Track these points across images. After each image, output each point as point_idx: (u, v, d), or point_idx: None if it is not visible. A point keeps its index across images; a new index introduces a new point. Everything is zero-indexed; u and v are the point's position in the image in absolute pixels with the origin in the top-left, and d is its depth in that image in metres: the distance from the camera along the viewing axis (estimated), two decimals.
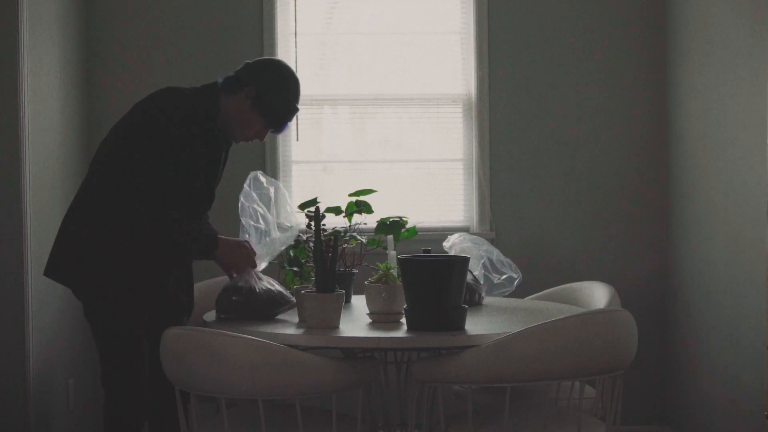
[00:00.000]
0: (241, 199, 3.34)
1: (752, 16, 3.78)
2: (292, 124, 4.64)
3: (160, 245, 3.11)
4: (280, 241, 3.32)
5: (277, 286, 3.27)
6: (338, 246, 3.09)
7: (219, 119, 3.22)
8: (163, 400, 3.17)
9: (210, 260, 3.23)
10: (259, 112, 3.22)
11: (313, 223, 3.19)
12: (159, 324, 3.00)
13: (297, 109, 3.30)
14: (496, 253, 3.88)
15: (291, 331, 2.98)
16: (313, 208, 3.27)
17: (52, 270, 3.19)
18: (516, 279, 3.85)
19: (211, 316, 3.32)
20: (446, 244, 3.94)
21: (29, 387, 3.73)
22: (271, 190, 3.39)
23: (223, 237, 3.24)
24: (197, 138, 3.13)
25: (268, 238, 3.31)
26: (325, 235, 3.21)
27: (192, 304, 3.32)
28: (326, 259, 2.98)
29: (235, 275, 3.26)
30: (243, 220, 3.34)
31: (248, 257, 3.25)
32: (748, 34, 3.82)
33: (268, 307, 3.22)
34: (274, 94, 3.23)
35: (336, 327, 2.98)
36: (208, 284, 3.63)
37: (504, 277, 3.84)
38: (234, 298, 3.20)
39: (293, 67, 4.60)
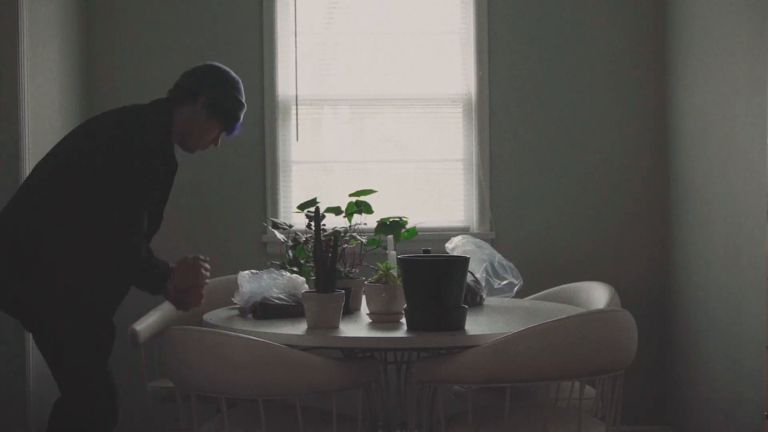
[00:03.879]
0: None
1: (752, 15, 3.78)
2: (291, 124, 4.68)
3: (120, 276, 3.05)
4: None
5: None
6: (338, 246, 3.09)
7: (174, 134, 3.20)
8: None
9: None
10: (216, 119, 3.23)
11: (313, 223, 3.19)
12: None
13: (245, 106, 3.31)
14: (498, 258, 3.88)
15: (291, 331, 2.98)
16: (313, 208, 3.27)
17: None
18: (516, 285, 3.85)
19: (210, 316, 3.32)
20: (449, 246, 3.95)
21: (29, 387, 3.73)
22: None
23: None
24: (160, 163, 3.07)
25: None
26: (325, 235, 3.21)
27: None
28: (326, 259, 2.99)
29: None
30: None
31: (200, 274, 3.12)
32: (748, 33, 3.82)
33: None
34: (226, 98, 3.24)
35: (336, 327, 2.98)
36: (211, 283, 3.62)
37: (504, 282, 3.84)
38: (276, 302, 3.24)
39: (293, 67, 4.65)
